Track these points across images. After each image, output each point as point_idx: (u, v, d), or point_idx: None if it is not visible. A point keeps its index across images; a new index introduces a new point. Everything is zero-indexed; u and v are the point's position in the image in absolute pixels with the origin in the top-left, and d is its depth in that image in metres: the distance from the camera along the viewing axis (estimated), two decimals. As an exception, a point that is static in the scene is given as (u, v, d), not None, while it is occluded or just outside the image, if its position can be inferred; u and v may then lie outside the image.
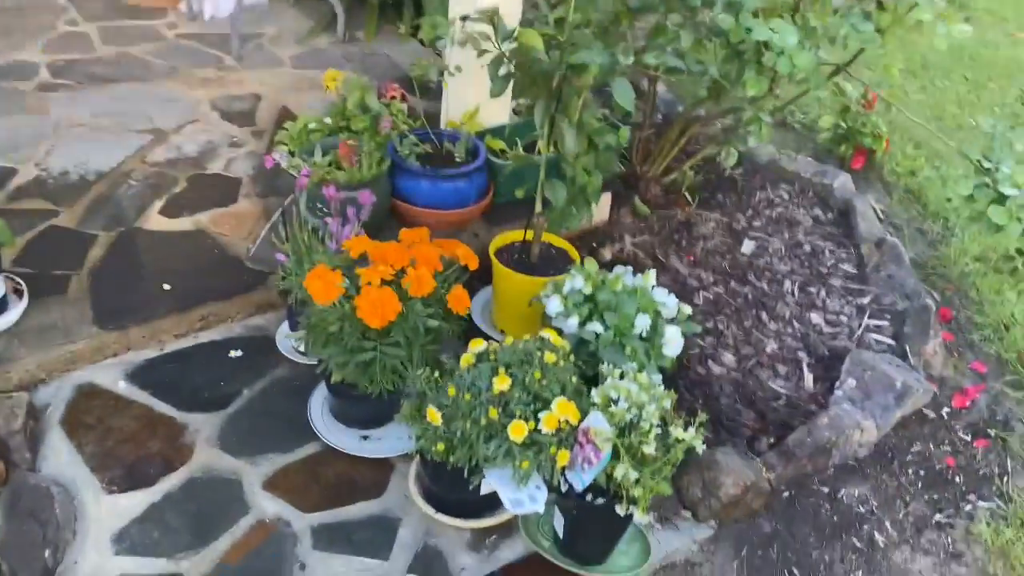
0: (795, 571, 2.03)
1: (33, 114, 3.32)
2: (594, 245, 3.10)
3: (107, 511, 1.97)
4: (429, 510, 1.99)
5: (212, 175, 3.08)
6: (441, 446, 1.81)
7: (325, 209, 2.49)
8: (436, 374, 1.94)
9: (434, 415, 1.82)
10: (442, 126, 3.20)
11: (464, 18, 2.25)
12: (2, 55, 3.76)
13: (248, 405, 2.29)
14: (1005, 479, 2.33)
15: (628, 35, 2.71)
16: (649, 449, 1.72)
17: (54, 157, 3.06)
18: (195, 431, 2.19)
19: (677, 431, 1.75)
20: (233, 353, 2.44)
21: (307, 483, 2.09)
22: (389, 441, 2.21)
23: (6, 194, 2.83)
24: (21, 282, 2.37)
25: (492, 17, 2.20)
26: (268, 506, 2.02)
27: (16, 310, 2.30)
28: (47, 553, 1.84)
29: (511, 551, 1.98)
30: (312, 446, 2.19)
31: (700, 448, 1.74)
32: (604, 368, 1.92)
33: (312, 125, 3.01)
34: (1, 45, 3.84)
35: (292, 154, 2.79)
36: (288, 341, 2.47)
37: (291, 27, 4.33)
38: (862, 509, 2.20)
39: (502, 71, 2.32)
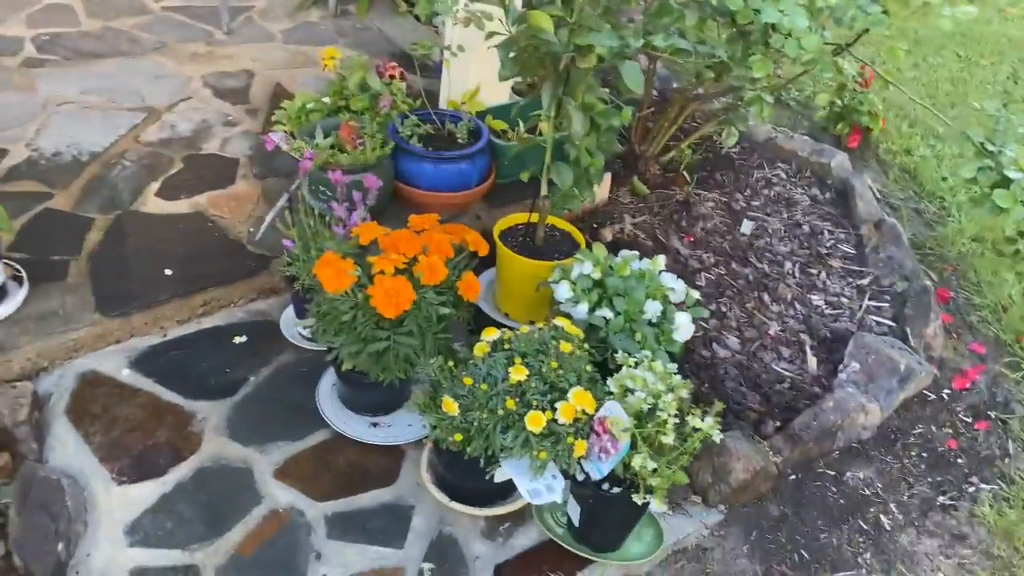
0: (804, 554, 2.06)
1: (20, 91, 3.24)
2: (594, 226, 3.09)
3: (118, 502, 1.95)
4: (443, 498, 2.00)
5: (208, 155, 3.02)
6: (458, 436, 1.81)
7: (328, 193, 2.46)
8: (450, 363, 1.93)
9: (450, 405, 1.81)
10: (441, 105, 3.16)
11: (474, -1, 2.20)
12: (-17, 29, 3.66)
13: (255, 392, 2.27)
14: (1007, 461, 2.37)
15: (634, 15, 2.68)
16: (667, 439, 1.73)
17: (45, 137, 2.98)
18: (203, 419, 2.17)
19: (695, 420, 1.76)
20: (237, 339, 2.41)
21: (318, 471, 2.08)
22: (399, 428, 2.20)
23: (-2, 176, 2.77)
24: (20, 268, 2.32)
25: (503, -2, 2.16)
26: (280, 495, 2.01)
27: (16, 297, 2.26)
28: (60, 546, 1.82)
29: (525, 538, 1.99)
30: (321, 433, 2.18)
31: (718, 438, 1.75)
32: (619, 356, 1.91)
33: (310, 105, 2.95)
34: (-19, 18, 3.74)
35: (292, 135, 2.75)
36: (293, 327, 2.45)
37: (280, 0, 4.24)
38: (868, 492, 2.23)
39: (511, 53, 2.29)
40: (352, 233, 2.12)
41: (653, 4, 2.73)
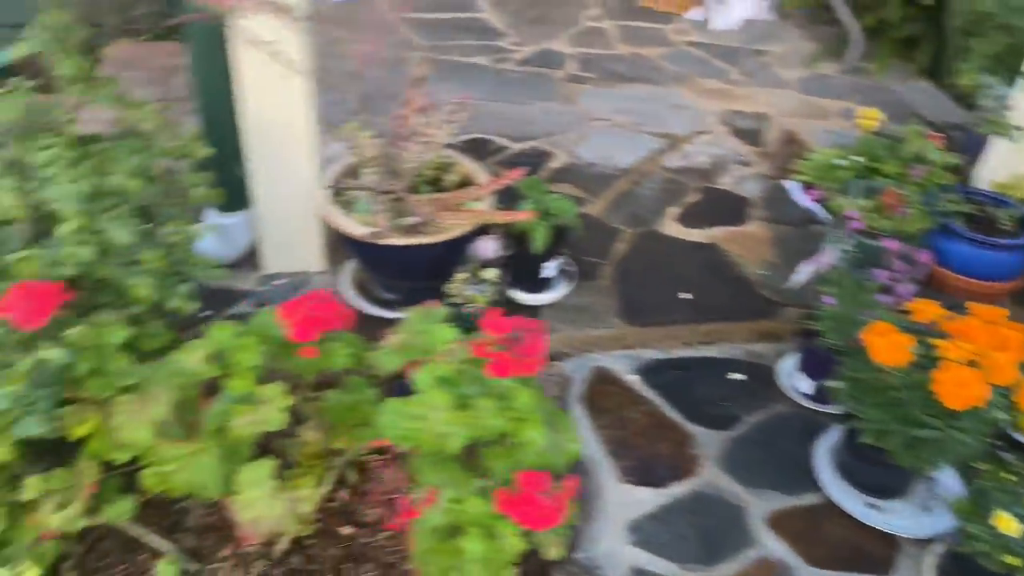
0: None
1: (564, 102, 3.66)
2: None
3: (622, 499, 2.09)
4: (957, 615, 1.84)
5: (721, 191, 3.14)
6: (1014, 560, 1.64)
7: (865, 258, 2.39)
8: (1003, 474, 1.76)
9: (1009, 524, 1.65)
10: (980, 185, 2.93)
11: None
12: (537, 43, 4.20)
13: (749, 433, 2.30)
14: None
15: None
16: None
17: (582, 147, 3.33)
18: (700, 445, 2.25)
19: None
20: (733, 375, 2.46)
21: (810, 533, 2.04)
22: (897, 516, 2.07)
23: (546, 175, 3.14)
24: (575, 265, 2.61)
25: None
26: (772, 545, 2.00)
27: (563, 288, 2.55)
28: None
29: None
30: (813, 496, 2.13)
31: None
32: None
33: (839, 161, 2.90)
34: (536, 33, 4.29)
35: (810, 187, 2.72)
36: (790, 379, 2.43)
37: (796, 48, 4.28)
38: None
39: None
40: (906, 307, 2.03)
41: None
